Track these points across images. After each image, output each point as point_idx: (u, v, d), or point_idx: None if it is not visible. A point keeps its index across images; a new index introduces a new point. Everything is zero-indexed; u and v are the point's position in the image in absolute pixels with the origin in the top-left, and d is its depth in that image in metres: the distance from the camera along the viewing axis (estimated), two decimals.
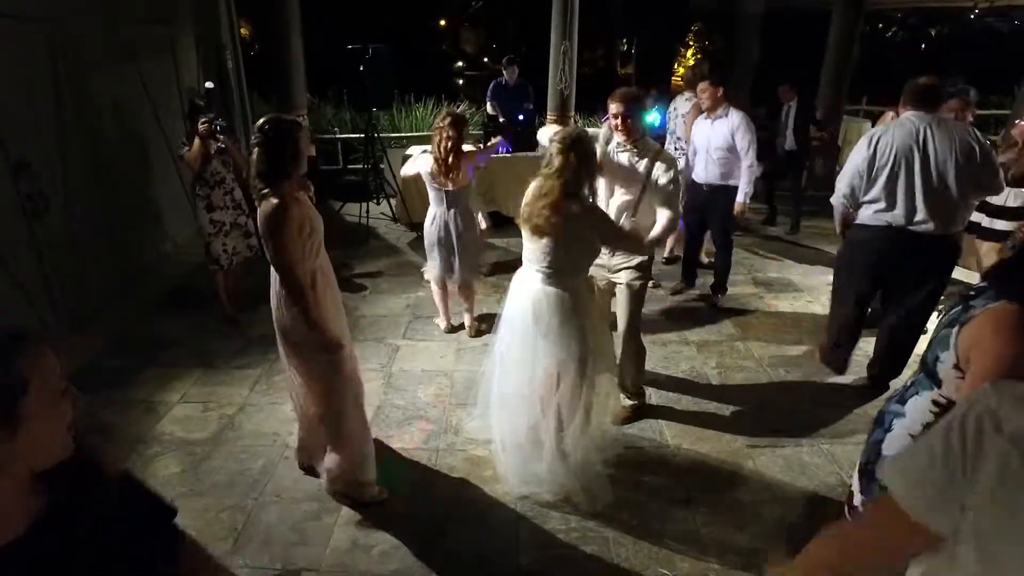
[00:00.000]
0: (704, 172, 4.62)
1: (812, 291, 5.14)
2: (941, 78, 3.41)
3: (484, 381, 3.03)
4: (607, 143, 3.11)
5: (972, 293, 1.71)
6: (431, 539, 2.63)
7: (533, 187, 2.59)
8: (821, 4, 9.73)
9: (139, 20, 5.28)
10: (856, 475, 2.08)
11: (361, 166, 7.16)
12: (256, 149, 2.36)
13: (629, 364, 3.35)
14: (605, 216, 2.76)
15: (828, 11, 9.11)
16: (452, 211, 3.99)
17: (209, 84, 4.72)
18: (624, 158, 3.08)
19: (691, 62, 21.71)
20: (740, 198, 4.52)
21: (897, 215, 3.26)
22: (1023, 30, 18.20)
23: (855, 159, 3.35)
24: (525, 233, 2.63)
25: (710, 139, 4.51)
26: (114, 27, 4.91)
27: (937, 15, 20.01)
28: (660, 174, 3.00)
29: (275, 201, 2.31)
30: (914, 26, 21.42)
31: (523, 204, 2.61)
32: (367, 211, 6.51)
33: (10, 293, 3.77)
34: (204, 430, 3.32)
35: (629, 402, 3.43)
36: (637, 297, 3.20)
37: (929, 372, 1.76)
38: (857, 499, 2.03)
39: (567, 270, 2.63)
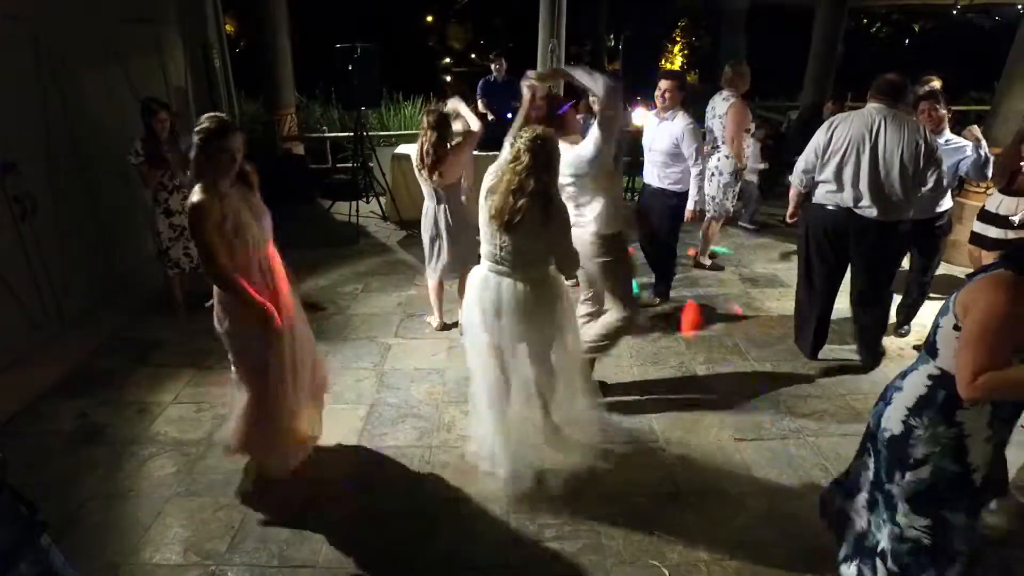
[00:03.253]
0: (647, 174, 4.55)
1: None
2: (914, 76, 3.52)
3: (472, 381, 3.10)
4: None
5: (975, 273, 1.85)
6: (425, 534, 2.67)
7: (499, 182, 2.57)
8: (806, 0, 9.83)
9: (124, 19, 5.24)
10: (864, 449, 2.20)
11: (350, 165, 7.17)
12: (193, 149, 2.48)
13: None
14: (567, 224, 2.68)
15: (812, 7, 9.21)
16: (442, 206, 4.05)
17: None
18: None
19: (678, 58, 21.80)
20: (691, 206, 4.40)
21: (845, 197, 3.49)
22: (1004, 26, 18.42)
23: (813, 141, 3.58)
24: (490, 227, 2.61)
25: (653, 140, 4.40)
26: (99, 26, 4.87)
27: (920, 11, 20.22)
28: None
29: (196, 198, 2.45)
30: (897, 22, 21.64)
31: (488, 199, 2.60)
32: (357, 210, 6.52)
33: None
34: (198, 430, 3.34)
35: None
36: (611, 271, 3.21)
37: (929, 345, 1.88)
38: (870, 470, 2.13)
39: (531, 261, 2.63)
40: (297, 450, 2.96)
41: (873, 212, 3.43)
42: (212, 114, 2.56)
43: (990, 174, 3.89)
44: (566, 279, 2.85)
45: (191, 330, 4.31)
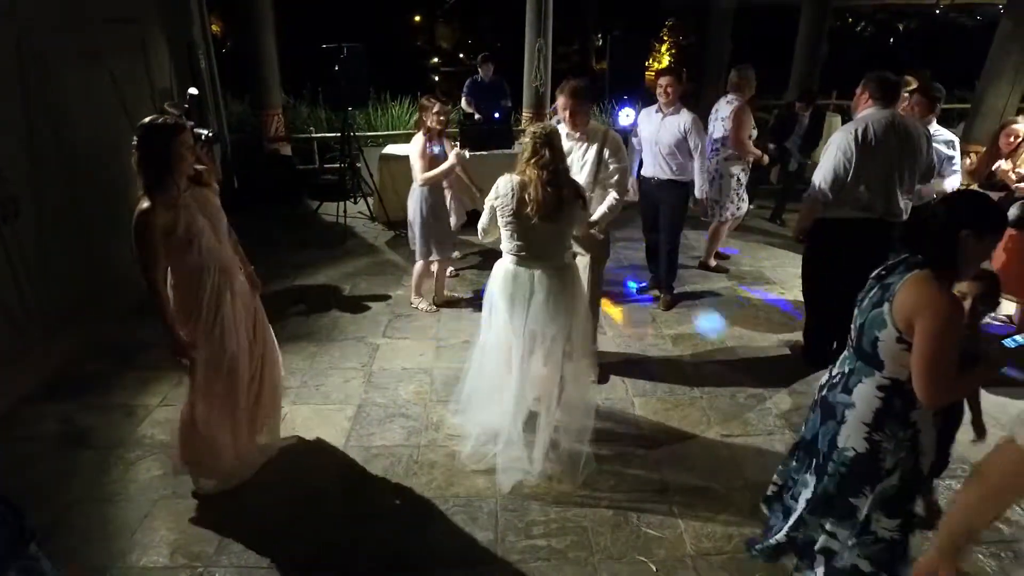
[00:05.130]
0: (653, 167, 4.57)
1: (784, 283, 5.28)
2: (897, 73, 3.56)
3: (467, 377, 3.14)
4: None
5: (883, 273, 1.91)
6: (414, 533, 2.68)
7: (515, 180, 2.72)
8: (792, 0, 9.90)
9: (107, 19, 5.20)
10: (793, 460, 2.25)
11: (338, 165, 7.14)
12: (134, 154, 2.41)
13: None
14: (587, 204, 2.94)
15: (798, 6, 9.29)
16: (424, 188, 4.32)
17: (193, 90, 4.63)
18: (575, 144, 3.36)
19: (665, 57, 21.88)
20: (699, 195, 4.54)
21: (878, 207, 3.40)
22: (986, 25, 18.67)
23: (837, 155, 3.36)
24: (511, 224, 2.75)
25: (658, 135, 4.43)
26: (82, 26, 4.83)
27: (904, 10, 20.45)
28: (608, 157, 3.31)
29: (142, 206, 2.42)
30: (882, 21, 21.86)
31: (507, 197, 2.72)
32: (344, 210, 6.50)
33: None
34: None
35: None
36: (595, 272, 3.52)
37: (867, 357, 1.89)
38: (807, 494, 2.11)
39: (558, 250, 2.84)
40: (240, 466, 2.92)
41: (902, 218, 3.41)
42: (155, 115, 2.50)
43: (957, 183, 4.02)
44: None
45: None
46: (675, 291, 4.89)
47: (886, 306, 1.81)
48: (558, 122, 3.41)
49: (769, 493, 2.42)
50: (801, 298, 4.92)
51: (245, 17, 7.51)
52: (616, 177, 3.33)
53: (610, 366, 3.89)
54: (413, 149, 4.27)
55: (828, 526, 2.06)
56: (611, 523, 2.73)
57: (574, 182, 2.82)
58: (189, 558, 2.55)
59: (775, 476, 2.41)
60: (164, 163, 2.41)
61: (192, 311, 2.60)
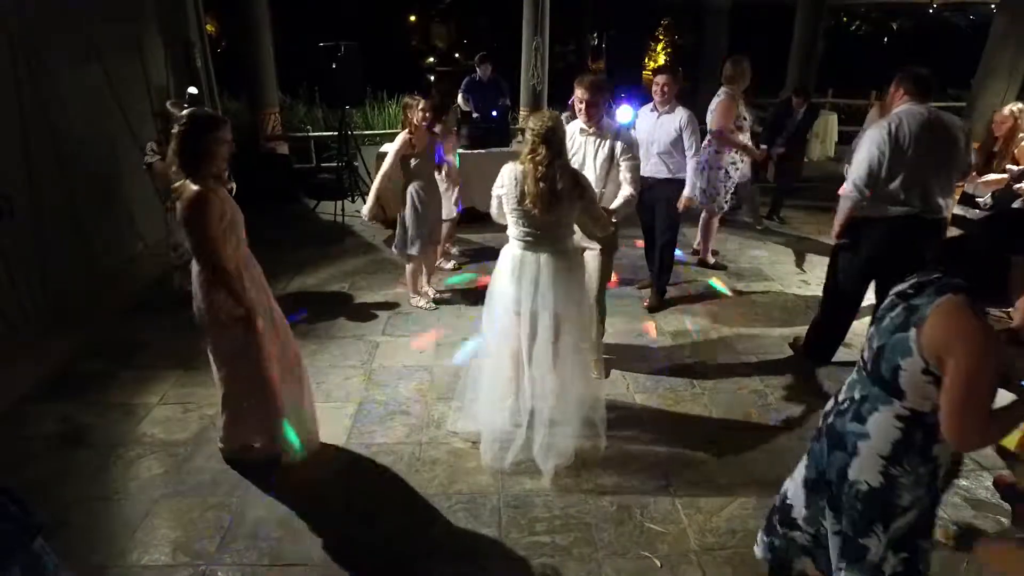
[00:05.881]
0: (648, 167, 4.44)
1: (782, 279, 5.28)
2: (893, 73, 3.54)
3: (471, 372, 3.16)
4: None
5: (910, 291, 1.72)
6: (417, 531, 2.67)
7: (518, 170, 2.79)
8: None
9: (103, 18, 5.18)
10: (797, 488, 2.06)
11: (335, 164, 7.12)
12: (175, 142, 2.46)
13: (597, 323, 3.68)
14: (593, 191, 2.95)
15: (794, 5, 9.31)
16: (417, 182, 4.34)
17: (192, 89, 4.63)
18: (587, 141, 3.38)
19: (661, 56, 21.92)
20: (688, 192, 4.44)
21: (915, 204, 3.32)
22: (979, 25, 18.79)
23: (872, 150, 3.27)
24: (516, 211, 2.83)
25: (654, 134, 4.39)
26: (78, 25, 4.81)
27: (898, 10, 20.54)
28: (620, 155, 3.33)
29: (194, 189, 2.43)
30: (876, 20, 21.95)
31: (511, 186, 2.81)
32: (342, 209, 6.48)
33: None
34: (185, 431, 3.31)
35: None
36: (603, 265, 3.54)
37: (885, 384, 1.70)
38: (799, 512, 2.02)
39: (562, 235, 2.88)
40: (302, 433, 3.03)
41: (942, 214, 3.36)
42: (198, 108, 2.57)
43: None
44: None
45: (177, 330, 4.26)
46: (667, 290, 4.84)
47: (912, 332, 1.61)
48: (570, 118, 3.41)
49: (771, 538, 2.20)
50: (799, 293, 4.98)
51: (242, 16, 7.48)
52: (630, 174, 3.33)
53: (611, 362, 3.89)
54: (393, 146, 4.31)
55: (844, 572, 1.87)
56: (614, 519, 2.73)
57: (574, 175, 2.80)
58: (191, 556, 2.54)
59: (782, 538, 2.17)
60: (206, 153, 2.46)
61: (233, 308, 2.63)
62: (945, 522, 2.60)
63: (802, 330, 4.11)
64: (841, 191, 3.52)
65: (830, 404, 1.95)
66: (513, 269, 2.90)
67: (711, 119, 5.01)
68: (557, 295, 2.85)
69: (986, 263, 1.61)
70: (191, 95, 4.61)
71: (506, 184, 2.83)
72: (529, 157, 2.71)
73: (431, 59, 23.49)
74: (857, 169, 3.35)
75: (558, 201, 2.72)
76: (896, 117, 3.28)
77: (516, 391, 3.01)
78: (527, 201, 2.74)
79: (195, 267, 2.63)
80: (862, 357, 1.84)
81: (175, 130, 2.48)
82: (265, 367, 2.79)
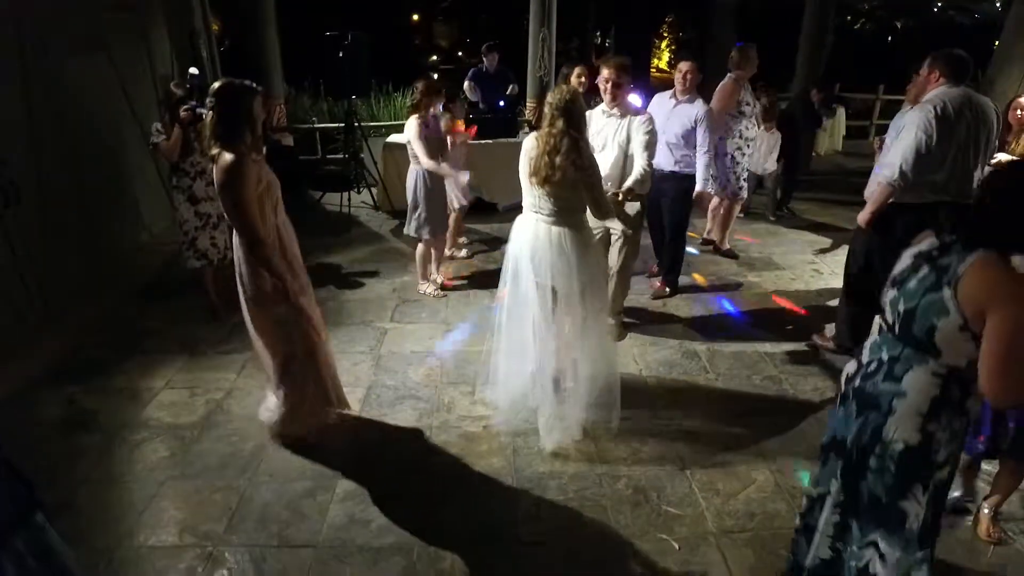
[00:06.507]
0: (656, 158, 4.18)
1: (793, 268, 5.22)
2: (903, 71, 3.48)
3: (494, 346, 3.15)
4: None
5: (934, 253, 1.70)
6: (428, 513, 2.62)
7: (532, 143, 2.83)
8: None
9: (108, 7, 5.14)
10: (830, 455, 1.96)
11: (341, 155, 7.08)
12: (210, 113, 2.46)
13: (618, 295, 3.95)
14: (597, 174, 2.89)
15: (801, 2, 9.27)
16: (420, 168, 4.30)
17: (194, 70, 4.59)
18: (609, 121, 3.48)
19: (665, 53, 21.88)
20: (700, 186, 4.29)
21: (951, 189, 3.23)
22: (983, 23, 18.73)
23: (919, 134, 3.15)
24: (527, 183, 2.86)
25: (667, 122, 4.24)
26: (83, 13, 4.77)
27: (902, 8, 20.49)
28: (636, 128, 3.44)
29: (230, 156, 2.41)
30: (881, 19, 21.89)
31: (526, 158, 2.85)
32: (348, 200, 6.44)
33: None
34: (192, 414, 3.25)
35: (611, 321, 3.82)
36: (631, 242, 3.71)
37: (919, 344, 1.69)
38: (833, 486, 1.92)
39: (566, 210, 2.85)
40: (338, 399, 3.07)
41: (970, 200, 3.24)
42: (229, 78, 2.56)
43: None
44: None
45: (183, 316, 4.23)
46: (676, 281, 4.72)
47: (947, 291, 1.60)
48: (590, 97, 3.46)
49: (801, 519, 2.12)
50: (811, 281, 4.93)
51: (248, 6, 7.45)
52: (643, 149, 3.39)
53: (621, 346, 3.84)
54: (411, 133, 4.22)
55: (879, 542, 1.81)
56: (630, 501, 2.67)
57: (580, 153, 2.71)
58: (198, 537, 2.49)
59: (805, 498, 2.12)
60: (244, 118, 2.46)
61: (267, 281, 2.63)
62: None
63: (815, 319, 4.05)
64: (877, 179, 3.37)
65: (852, 367, 1.92)
66: (526, 240, 2.91)
67: (714, 99, 4.94)
68: (570, 268, 2.84)
69: (1011, 218, 1.58)
70: (192, 75, 4.55)
71: (522, 155, 2.87)
72: (547, 130, 2.72)
73: (434, 57, 23.46)
74: (903, 154, 3.19)
75: (562, 178, 2.71)
76: (939, 100, 3.17)
77: (540, 355, 3.01)
78: (533, 177, 2.78)
79: (236, 239, 2.63)
80: (884, 321, 1.81)
81: (209, 103, 2.47)
82: (314, 339, 2.81)
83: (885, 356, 1.78)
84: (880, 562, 1.82)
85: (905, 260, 1.79)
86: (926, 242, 1.76)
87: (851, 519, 1.88)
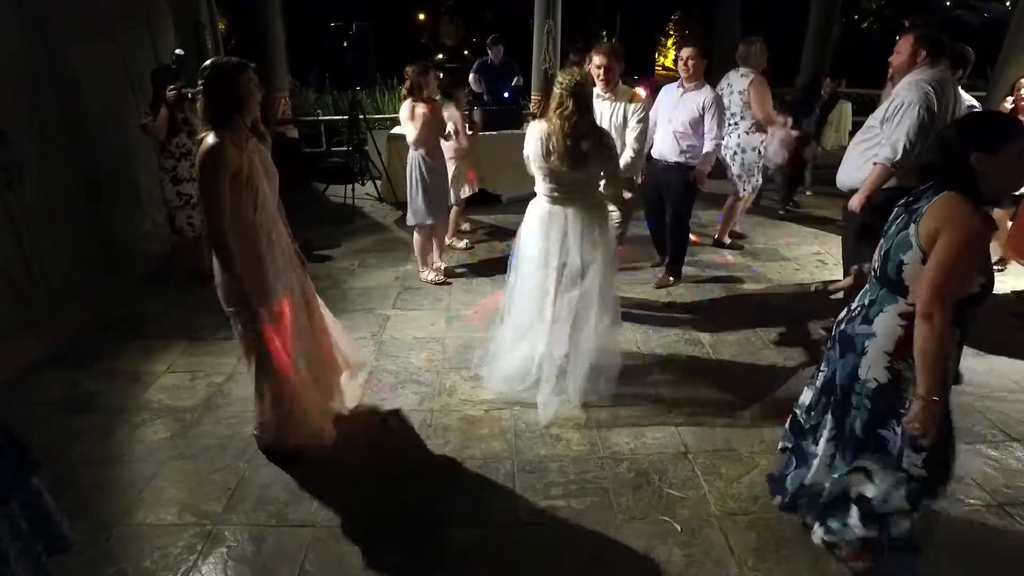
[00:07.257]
0: (662, 148, 4.26)
1: (798, 259, 5.19)
2: (915, 30, 3.46)
3: (500, 325, 3.25)
4: None
5: (911, 199, 1.87)
6: (429, 495, 2.60)
7: (543, 127, 2.84)
8: None
9: None
10: (812, 393, 2.21)
11: (345, 148, 7.07)
12: (200, 96, 2.32)
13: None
14: (615, 149, 2.99)
15: None
16: (419, 151, 4.30)
17: (179, 51, 4.56)
18: (604, 105, 3.58)
19: (671, 52, 21.80)
20: (700, 164, 4.13)
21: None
22: (991, 22, 18.62)
23: (921, 113, 3.11)
24: (542, 168, 2.89)
25: (674, 111, 4.14)
26: (89, 2, 4.78)
27: (910, 7, 20.41)
28: (632, 112, 3.58)
29: (211, 140, 2.27)
30: (888, 18, 21.80)
31: (536, 141, 2.87)
32: (353, 191, 6.43)
33: None
34: (193, 398, 3.25)
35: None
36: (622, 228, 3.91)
37: (891, 283, 1.84)
38: (803, 401, 2.22)
39: (587, 190, 2.92)
40: (323, 420, 2.85)
41: None
42: (220, 56, 2.45)
43: None
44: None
45: (185, 303, 4.22)
46: (680, 271, 4.62)
47: (912, 228, 1.77)
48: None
49: (785, 440, 2.36)
50: (816, 272, 4.90)
51: (254, 3, 7.44)
52: (636, 134, 3.47)
53: (623, 334, 3.81)
54: (403, 115, 4.25)
55: (867, 464, 1.97)
56: (632, 484, 2.65)
57: (599, 131, 2.85)
58: (197, 516, 2.47)
59: (790, 421, 2.35)
60: (233, 100, 2.30)
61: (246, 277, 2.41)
62: None
63: (819, 309, 4.01)
64: (873, 160, 3.32)
65: (843, 313, 2.07)
66: (542, 223, 2.94)
67: (740, 101, 4.82)
68: (584, 247, 2.88)
69: (955, 164, 1.72)
70: (178, 56, 4.52)
71: (531, 143, 2.87)
72: (557, 112, 2.75)
73: (440, 56, 23.46)
74: (906, 135, 3.14)
75: (584, 157, 2.76)
76: (932, 79, 3.16)
77: (536, 339, 3.06)
78: (553, 158, 2.78)
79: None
80: (873, 266, 1.95)
81: (200, 84, 2.31)
82: (276, 362, 2.56)
83: (866, 300, 1.95)
84: (869, 483, 1.96)
85: (895, 210, 1.94)
86: (909, 194, 1.94)
87: (840, 449, 2.05)
